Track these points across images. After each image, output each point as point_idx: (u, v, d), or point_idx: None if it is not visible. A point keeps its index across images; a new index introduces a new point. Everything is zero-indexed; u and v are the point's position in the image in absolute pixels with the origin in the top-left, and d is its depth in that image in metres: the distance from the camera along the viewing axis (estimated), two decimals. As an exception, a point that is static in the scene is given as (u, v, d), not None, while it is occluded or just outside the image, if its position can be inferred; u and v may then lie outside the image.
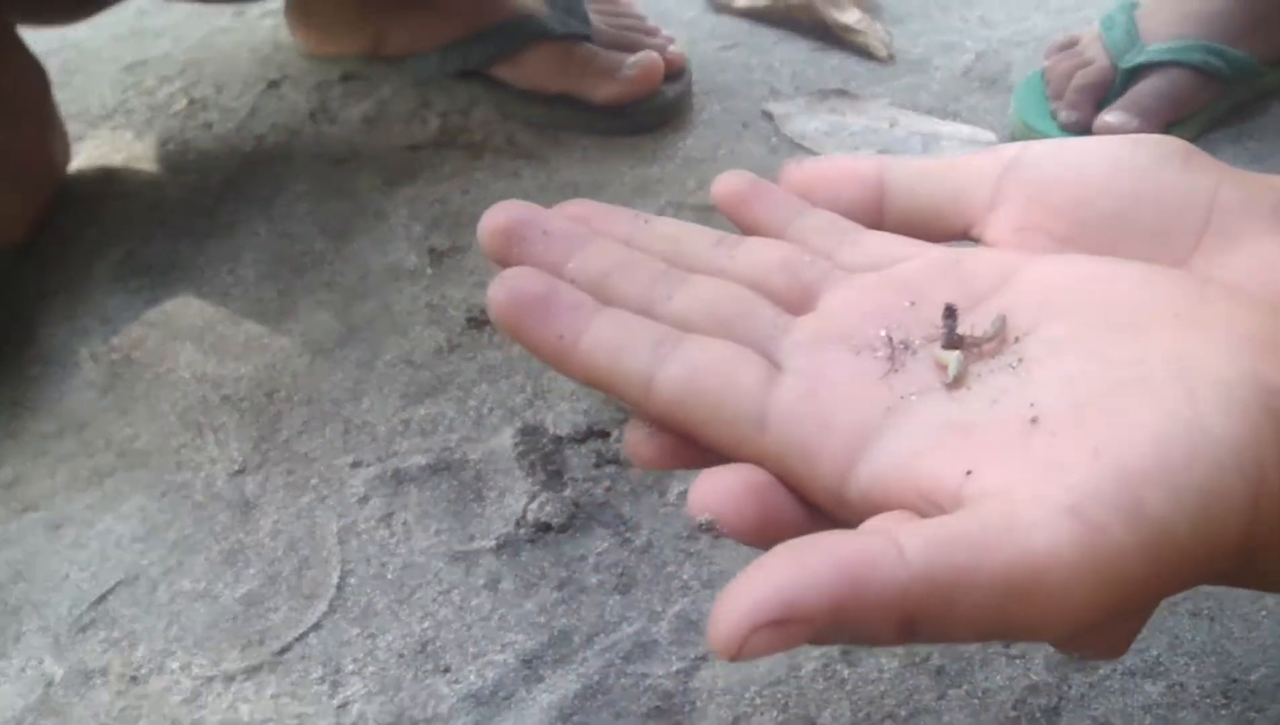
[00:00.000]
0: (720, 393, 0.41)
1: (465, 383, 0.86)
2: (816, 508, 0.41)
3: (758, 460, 0.41)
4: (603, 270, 0.45)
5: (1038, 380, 0.40)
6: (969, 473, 0.37)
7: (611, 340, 0.42)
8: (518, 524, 0.76)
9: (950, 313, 0.43)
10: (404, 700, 0.67)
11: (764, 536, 0.40)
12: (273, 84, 1.21)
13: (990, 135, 1.08)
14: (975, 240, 0.49)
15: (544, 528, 0.75)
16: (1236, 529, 0.35)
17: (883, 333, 0.44)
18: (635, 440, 0.44)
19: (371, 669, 0.69)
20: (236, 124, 1.16)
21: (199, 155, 1.12)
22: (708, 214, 1.01)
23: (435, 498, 0.78)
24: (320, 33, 1.22)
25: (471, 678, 0.67)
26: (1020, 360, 0.41)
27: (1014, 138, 1.10)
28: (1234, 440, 0.35)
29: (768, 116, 1.13)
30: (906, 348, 0.43)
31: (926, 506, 0.37)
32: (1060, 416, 0.37)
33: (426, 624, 0.71)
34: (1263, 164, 1.06)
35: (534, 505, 0.77)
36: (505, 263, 0.45)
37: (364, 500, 0.78)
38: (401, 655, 0.69)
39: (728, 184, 0.50)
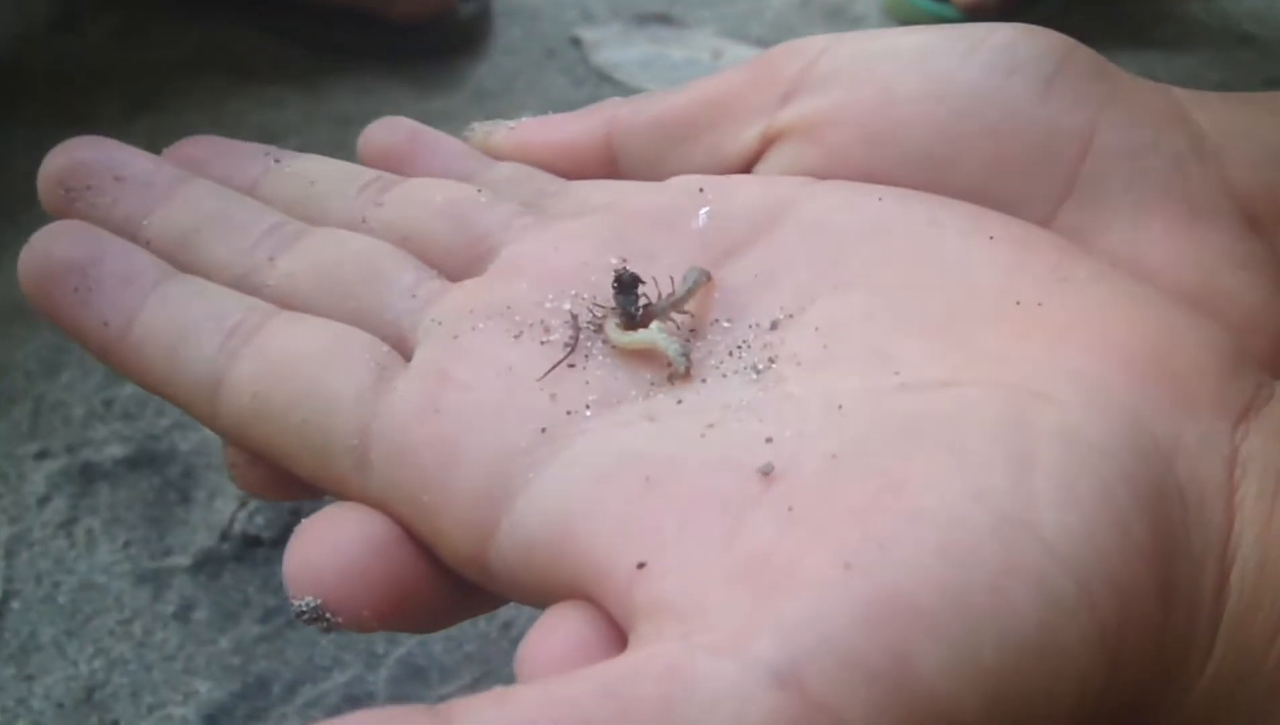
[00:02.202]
0: (304, 407, 0.29)
1: (186, 355, 0.73)
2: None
3: (369, 503, 0.29)
4: (189, 227, 0.33)
5: (790, 398, 0.27)
6: (641, 566, 0.24)
7: (171, 326, 0.30)
8: (223, 536, 0.63)
9: (624, 279, 0.30)
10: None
11: (399, 622, 0.28)
12: (15, -13, 1.05)
13: (826, 72, 0.96)
14: None
15: (254, 542, 0.63)
16: (1073, 693, 0.22)
17: (565, 307, 0.31)
18: (236, 461, 0.31)
19: (23, 722, 0.56)
20: (-36, 33, 1.00)
21: (-85, 70, 0.96)
22: (495, 156, 0.88)
23: (130, 499, 0.65)
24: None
25: None
26: (772, 361, 0.28)
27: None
28: (1079, 551, 0.23)
29: (576, 44, 1.00)
30: (599, 330, 0.30)
31: (598, 603, 0.25)
32: (807, 475, 0.24)
33: (98, 663, 0.58)
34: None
35: (244, 513, 0.64)
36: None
37: (44, 501, 0.65)
38: (61, 705, 0.56)
39: (378, 136, 0.37)
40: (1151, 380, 0.25)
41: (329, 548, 0.27)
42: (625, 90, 0.95)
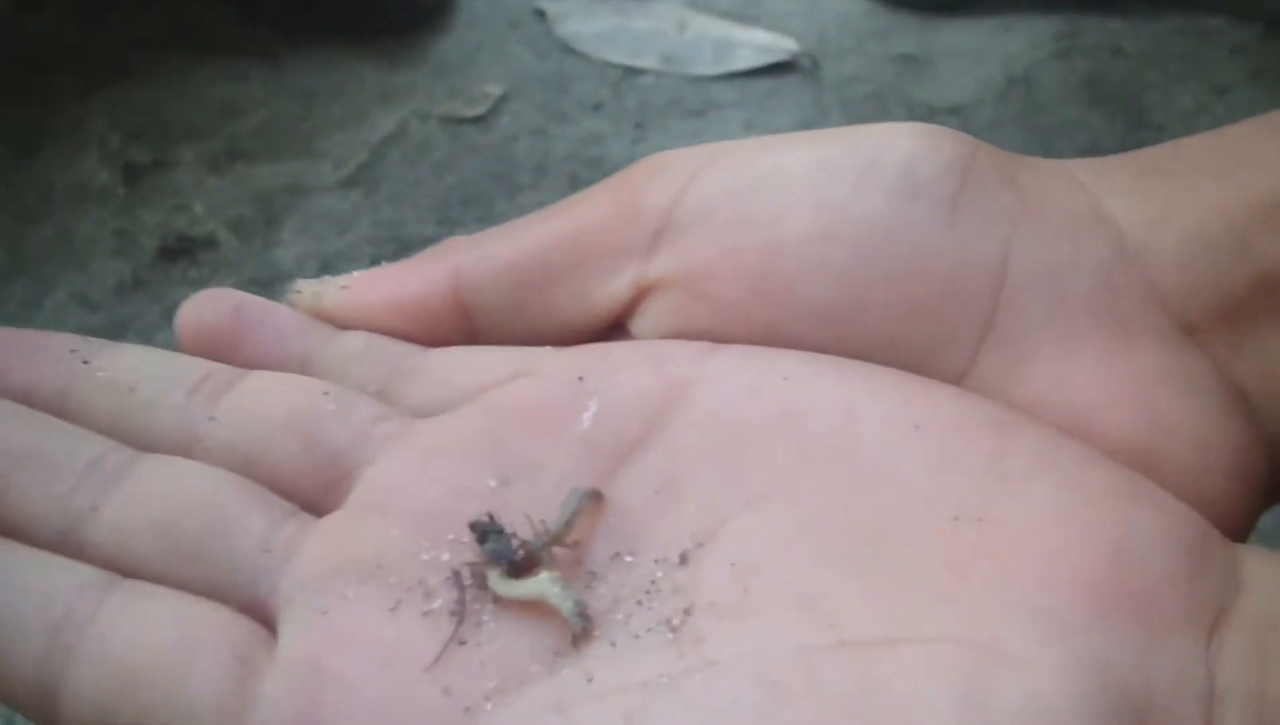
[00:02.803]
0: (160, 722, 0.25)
1: (146, 328, 0.73)
2: None
3: None
4: None
5: (715, 669, 0.24)
6: None
7: None
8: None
9: (485, 530, 0.26)
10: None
11: None
12: (-23, -36, 1.05)
13: (791, 43, 0.96)
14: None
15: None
16: None
17: (445, 558, 0.26)
18: None
19: None
20: (-74, 11, 0.99)
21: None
22: (458, 127, 0.88)
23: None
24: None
25: None
26: (687, 611, 0.25)
27: None
28: None
29: (540, 16, 0.99)
30: (483, 584, 0.26)
31: None
32: None
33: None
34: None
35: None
36: None
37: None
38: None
39: (198, 315, 0.31)
40: (1113, 610, 0.23)
41: None
42: (589, 62, 0.95)
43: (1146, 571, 0.23)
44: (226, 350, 0.31)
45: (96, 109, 0.88)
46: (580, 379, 0.28)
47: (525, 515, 0.26)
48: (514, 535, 0.26)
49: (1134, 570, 0.23)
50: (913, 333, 0.28)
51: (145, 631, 0.25)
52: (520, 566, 0.25)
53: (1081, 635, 0.22)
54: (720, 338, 0.29)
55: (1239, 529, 0.27)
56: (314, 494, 0.28)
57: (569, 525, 0.26)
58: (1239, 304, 0.27)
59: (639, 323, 0.30)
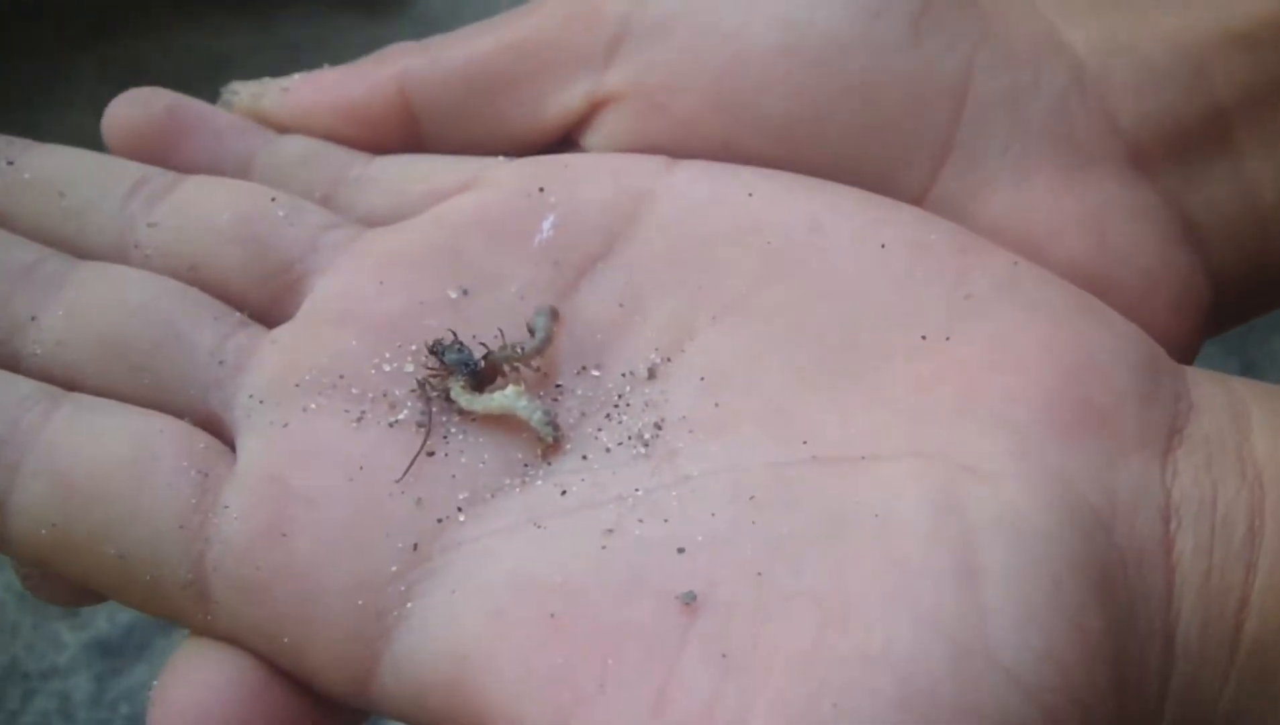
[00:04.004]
0: (118, 541, 0.24)
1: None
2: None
3: (220, 638, 0.24)
4: None
5: (689, 483, 0.23)
6: None
7: None
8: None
9: (441, 351, 0.25)
10: (18, 650, 0.57)
11: None
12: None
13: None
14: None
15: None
16: None
17: (408, 369, 0.26)
18: (29, 573, 0.26)
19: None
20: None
21: None
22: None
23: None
24: None
25: (101, 623, 0.58)
26: (658, 426, 0.24)
27: None
28: (1042, 674, 0.21)
29: (520, -30, 1.02)
30: (448, 397, 0.25)
31: None
32: (734, 604, 0.22)
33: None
34: None
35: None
36: None
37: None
38: (23, 595, 0.59)
39: (128, 114, 0.30)
40: (1075, 426, 0.23)
41: (194, 710, 0.23)
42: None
43: (1105, 389, 0.24)
44: (160, 153, 0.29)
45: (84, 64, 0.90)
46: (541, 190, 0.27)
47: (499, 330, 0.26)
48: (482, 345, 0.26)
49: (1093, 388, 0.24)
50: (872, 151, 0.28)
51: (98, 445, 0.24)
52: (483, 377, 0.25)
53: (1046, 450, 0.23)
54: (677, 154, 0.28)
55: (1181, 356, 0.27)
56: (262, 304, 0.27)
57: (540, 348, 0.25)
58: (1190, 134, 0.28)
59: (591, 137, 0.29)
